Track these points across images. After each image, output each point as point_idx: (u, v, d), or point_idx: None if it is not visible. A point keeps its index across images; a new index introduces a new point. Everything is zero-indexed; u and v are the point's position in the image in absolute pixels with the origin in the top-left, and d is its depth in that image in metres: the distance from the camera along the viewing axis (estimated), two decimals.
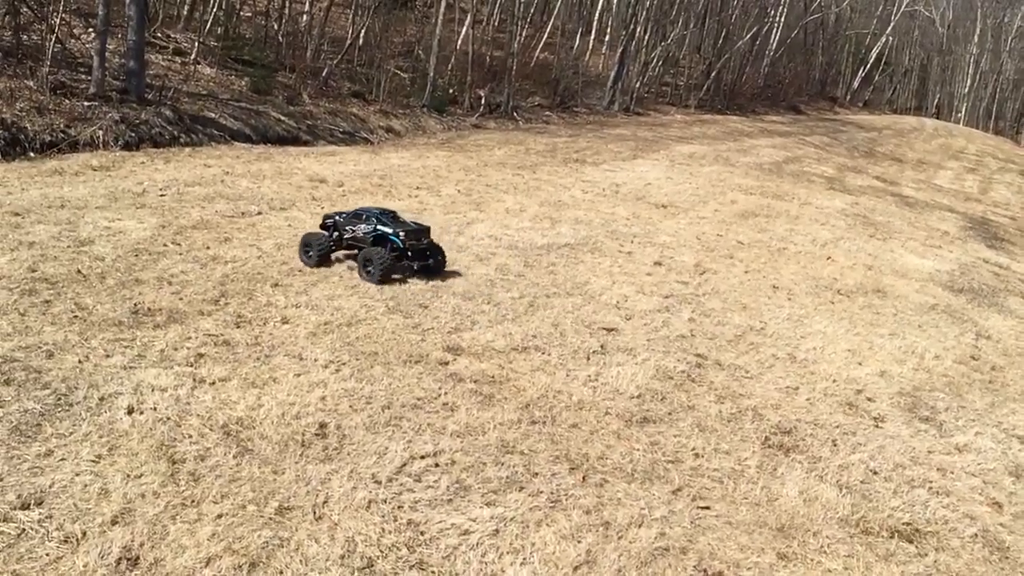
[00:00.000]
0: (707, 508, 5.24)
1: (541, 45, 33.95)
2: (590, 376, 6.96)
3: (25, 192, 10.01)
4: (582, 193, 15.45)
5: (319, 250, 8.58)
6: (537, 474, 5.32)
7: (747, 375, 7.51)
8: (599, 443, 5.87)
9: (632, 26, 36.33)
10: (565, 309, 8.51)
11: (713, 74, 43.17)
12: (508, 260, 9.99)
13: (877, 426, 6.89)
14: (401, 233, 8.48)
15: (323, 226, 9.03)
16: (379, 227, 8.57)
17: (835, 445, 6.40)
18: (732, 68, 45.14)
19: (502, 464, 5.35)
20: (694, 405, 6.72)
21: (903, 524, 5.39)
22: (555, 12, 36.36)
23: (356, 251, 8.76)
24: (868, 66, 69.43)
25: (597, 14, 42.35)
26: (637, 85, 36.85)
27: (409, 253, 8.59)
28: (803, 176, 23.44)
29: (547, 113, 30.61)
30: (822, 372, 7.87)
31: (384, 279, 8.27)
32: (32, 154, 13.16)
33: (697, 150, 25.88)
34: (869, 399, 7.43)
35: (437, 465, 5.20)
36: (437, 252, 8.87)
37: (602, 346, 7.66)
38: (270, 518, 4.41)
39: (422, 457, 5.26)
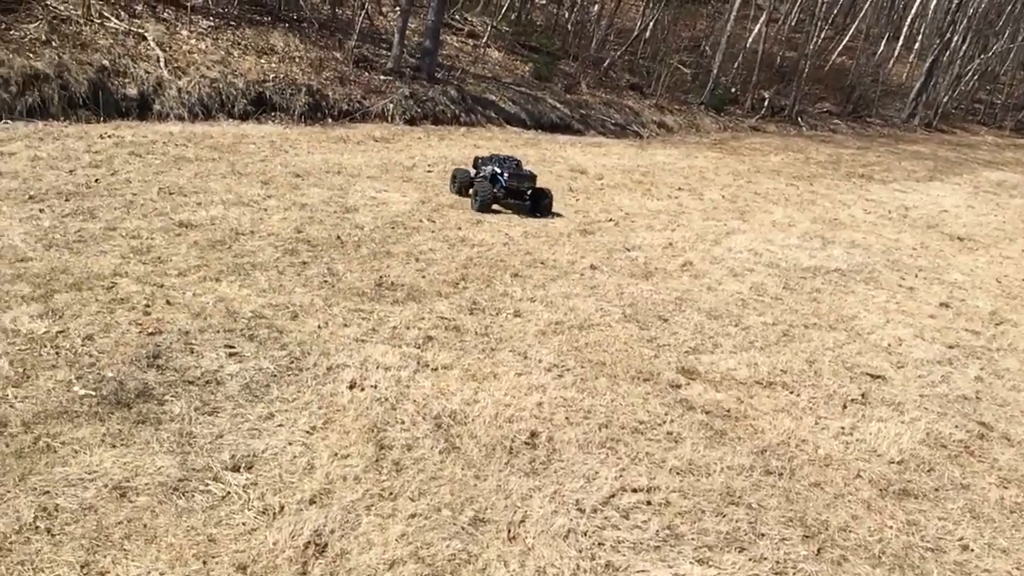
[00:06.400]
0: None
1: (840, 48, 31.49)
2: (843, 428, 6.06)
3: (310, 156, 10.75)
4: (863, 213, 13.97)
5: (460, 182, 10.48)
6: (763, 535, 4.63)
7: None
8: (843, 511, 5.04)
9: (948, 35, 32.65)
10: (824, 344, 7.57)
11: None
12: (766, 279, 9.14)
13: None
14: (506, 174, 10.13)
15: (473, 165, 10.84)
16: (494, 168, 10.33)
17: None
18: None
19: (724, 516, 4.72)
20: (969, 484, 5.61)
21: None
22: (861, 14, 33.55)
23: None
24: None
25: (909, 19, 38.57)
26: (944, 99, 33.11)
27: (526, 193, 10.33)
28: None
29: (835, 121, 28.41)
30: None
31: (483, 208, 9.89)
32: (330, 120, 14.22)
33: (1008, 178, 22.66)
34: None
35: (649, 503, 4.69)
36: (542, 196, 10.39)
37: (863, 395, 6.68)
38: (463, 528, 4.17)
39: (634, 491, 4.77)
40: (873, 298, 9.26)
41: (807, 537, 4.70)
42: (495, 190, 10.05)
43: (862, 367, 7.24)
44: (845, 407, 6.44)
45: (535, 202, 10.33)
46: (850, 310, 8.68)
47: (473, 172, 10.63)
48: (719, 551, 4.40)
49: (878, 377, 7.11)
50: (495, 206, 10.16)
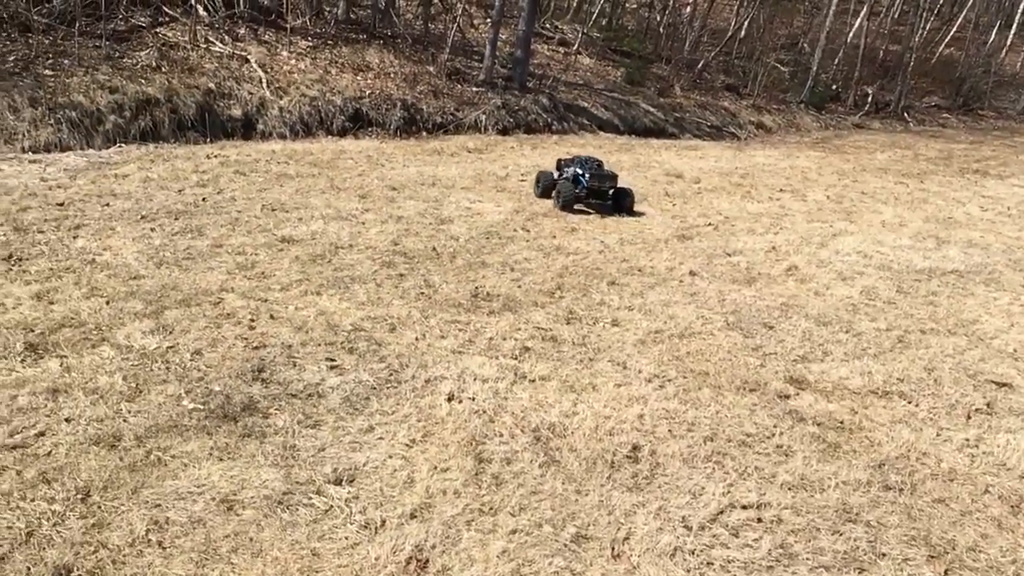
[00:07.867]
0: None
1: (947, 40, 30.01)
2: (968, 440, 5.67)
3: (405, 168, 10.88)
4: (980, 211, 13.19)
5: (544, 185, 10.65)
6: (884, 555, 4.35)
7: None
8: (971, 529, 4.69)
9: None
10: (944, 351, 7.13)
11: None
12: (877, 283, 8.70)
13: None
14: (587, 175, 10.32)
15: (557, 167, 11.07)
16: (576, 170, 10.53)
17: None
18: None
19: (840, 534, 4.46)
20: None
21: None
22: (969, 3, 31.88)
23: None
24: None
25: (1022, 6, 36.42)
26: None
27: (608, 193, 10.50)
28: None
29: (944, 115, 27.08)
30: None
31: (566, 207, 10.14)
32: (424, 133, 14.41)
33: None
34: None
35: (760, 520, 4.48)
36: (624, 195, 10.53)
37: (989, 404, 6.24)
38: (565, 544, 4.06)
39: (743, 507, 4.56)
40: (995, 300, 8.69)
41: (932, 557, 4.40)
42: (577, 190, 10.27)
43: (986, 374, 6.78)
44: (969, 417, 6.03)
45: (617, 201, 10.50)
46: (970, 314, 8.16)
47: (556, 174, 10.83)
48: (837, 572, 4.16)
49: (1004, 385, 6.64)
50: (578, 206, 10.34)
